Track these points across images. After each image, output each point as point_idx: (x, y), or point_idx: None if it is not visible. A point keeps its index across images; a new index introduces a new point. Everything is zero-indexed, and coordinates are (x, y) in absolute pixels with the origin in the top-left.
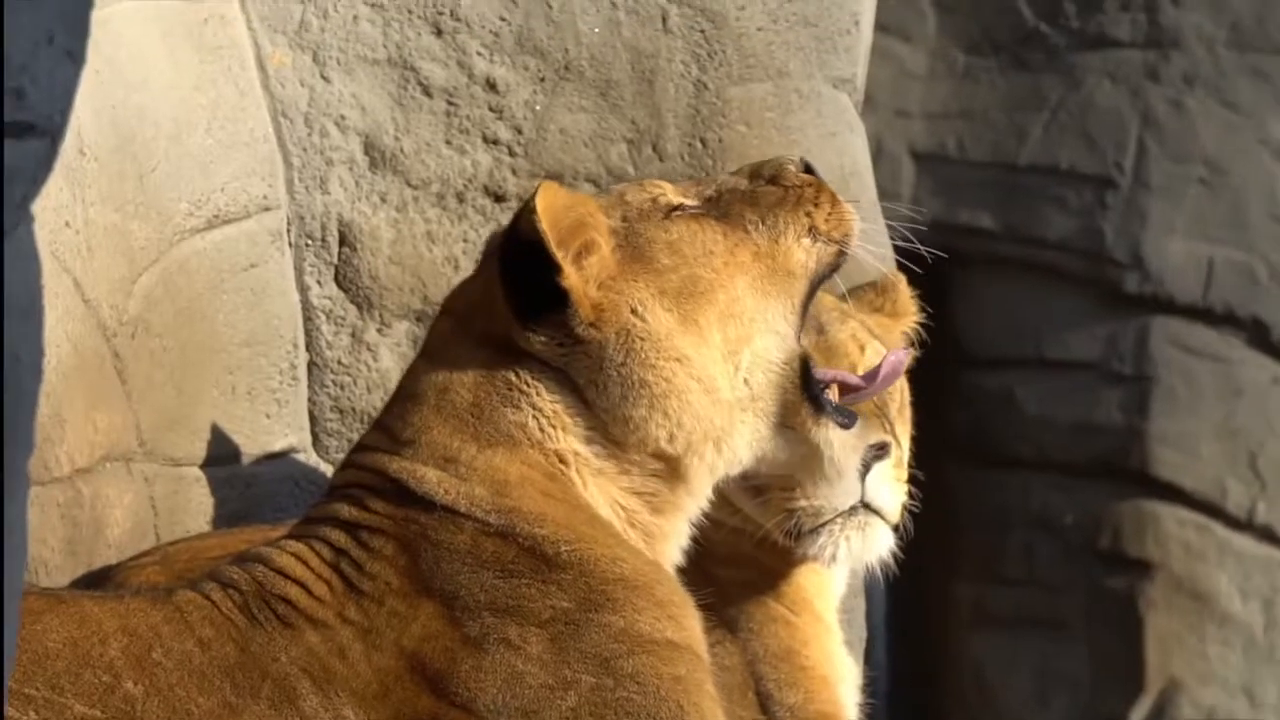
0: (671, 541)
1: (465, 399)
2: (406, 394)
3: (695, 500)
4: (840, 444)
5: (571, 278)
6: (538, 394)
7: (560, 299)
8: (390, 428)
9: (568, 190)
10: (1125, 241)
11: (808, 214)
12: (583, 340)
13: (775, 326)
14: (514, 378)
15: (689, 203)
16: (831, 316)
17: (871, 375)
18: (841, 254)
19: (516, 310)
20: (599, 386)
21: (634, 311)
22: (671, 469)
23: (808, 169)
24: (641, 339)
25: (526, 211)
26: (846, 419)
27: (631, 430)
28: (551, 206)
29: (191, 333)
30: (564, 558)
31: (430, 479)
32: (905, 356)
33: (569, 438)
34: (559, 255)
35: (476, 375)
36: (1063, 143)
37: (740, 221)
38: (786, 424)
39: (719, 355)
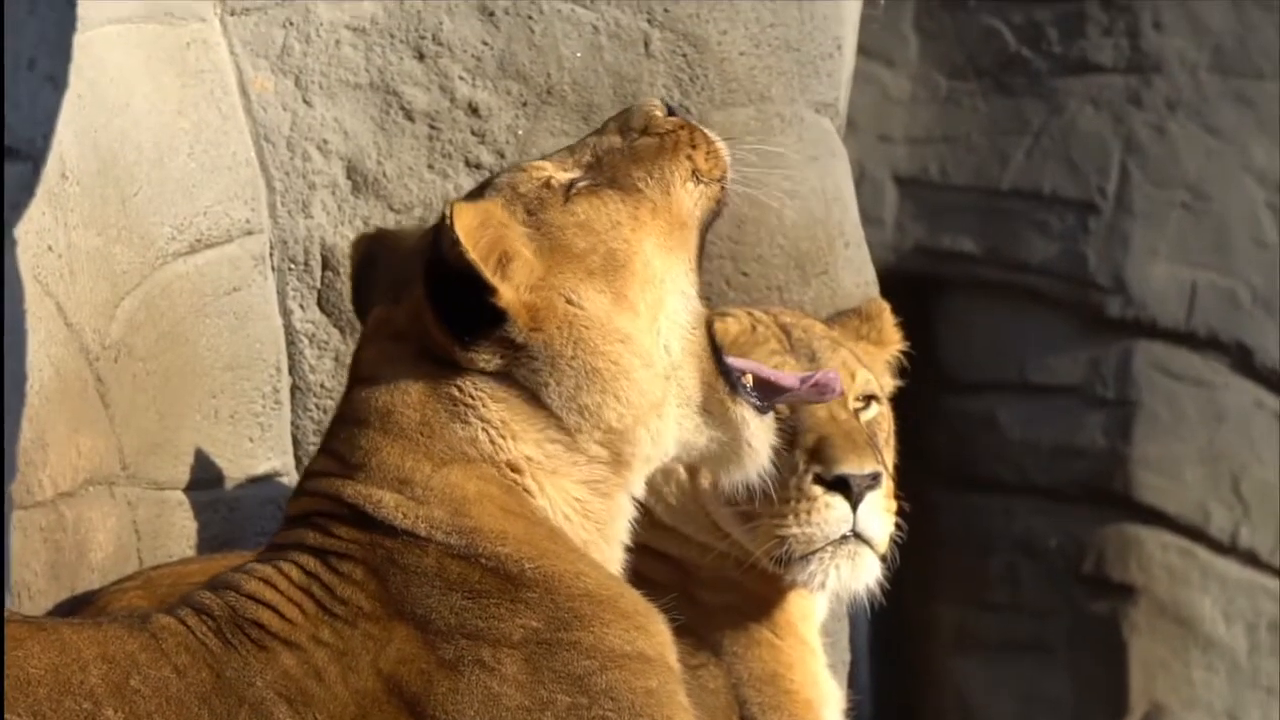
0: (620, 521)
1: (412, 419)
2: (349, 419)
3: (636, 476)
4: (756, 426)
5: (505, 294)
6: (484, 405)
7: (495, 314)
8: (338, 452)
9: (474, 204)
10: (1108, 266)
11: (688, 157)
12: (526, 345)
13: (680, 286)
14: (457, 393)
15: (578, 176)
16: (823, 344)
17: (805, 379)
18: (724, 191)
19: (452, 333)
20: (549, 384)
21: (569, 301)
22: (615, 453)
23: (671, 111)
24: (585, 326)
25: (448, 242)
26: (761, 402)
27: (586, 417)
28: (469, 229)
29: (174, 356)
30: (529, 575)
31: (388, 503)
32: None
33: (520, 444)
34: (488, 276)
35: (420, 394)
36: (1045, 167)
37: (631, 181)
38: (706, 407)
39: (646, 326)
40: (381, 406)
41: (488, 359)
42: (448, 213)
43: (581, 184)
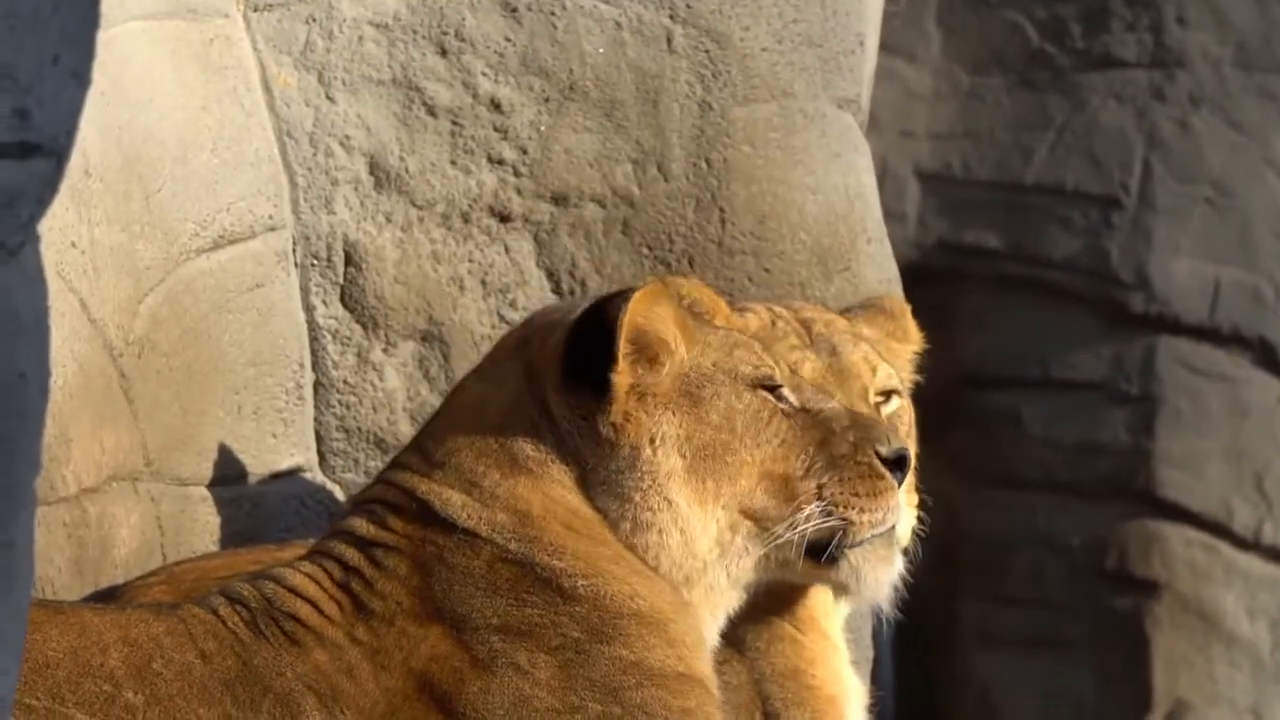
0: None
1: (494, 423)
2: (446, 409)
3: (709, 599)
4: (855, 572)
5: (621, 377)
6: (558, 443)
7: (601, 388)
8: (425, 447)
9: (675, 305)
10: (1131, 261)
11: (836, 486)
12: (598, 433)
13: (747, 543)
14: (538, 417)
15: (787, 394)
16: (844, 339)
17: None
18: (842, 528)
19: (565, 366)
20: (596, 473)
21: (652, 441)
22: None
23: (898, 460)
24: (646, 469)
25: (621, 299)
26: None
27: (614, 525)
28: (645, 312)
29: (197, 352)
30: (580, 592)
31: (455, 502)
32: None
33: (577, 494)
34: (622, 354)
35: (509, 401)
36: (1068, 163)
37: (801, 443)
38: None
39: (713, 524)
40: (476, 401)
41: (567, 417)
42: (644, 281)
43: (779, 399)
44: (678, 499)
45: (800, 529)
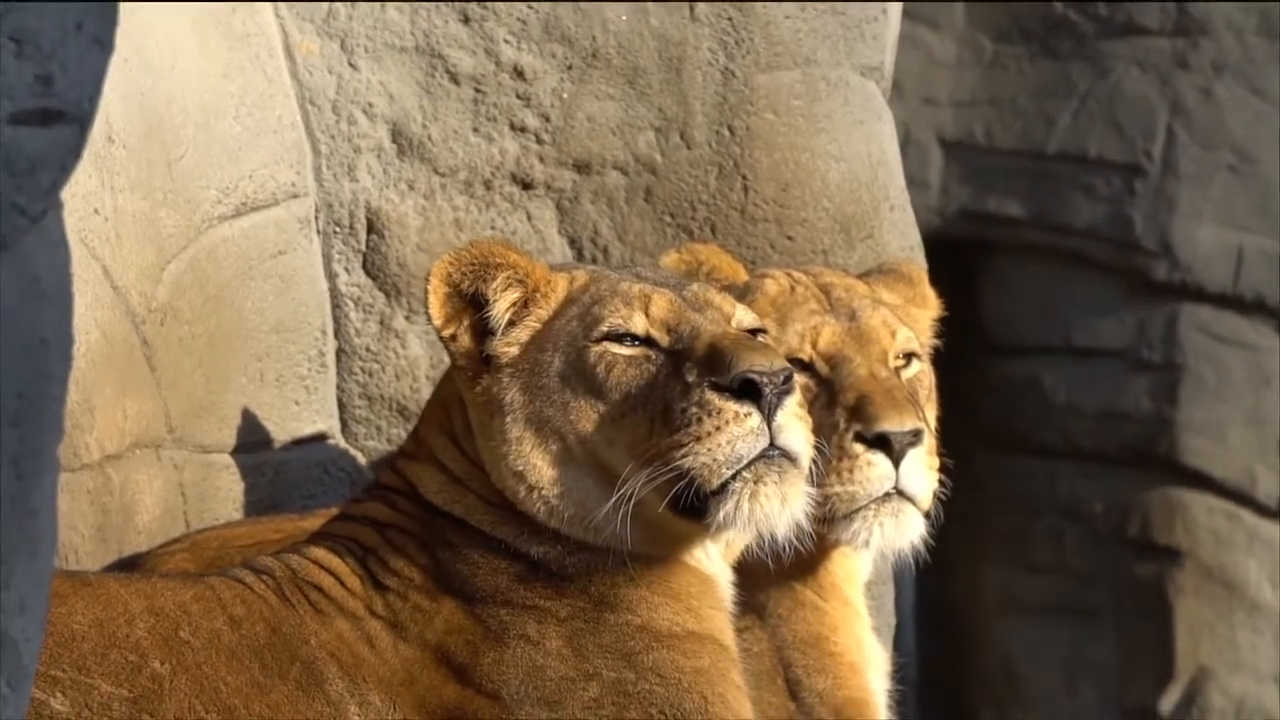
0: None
1: (451, 393)
2: (433, 393)
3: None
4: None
5: (454, 332)
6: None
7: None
8: (416, 430)
9: (506, 263)
10: (1154, 229)
11: (664, 436)
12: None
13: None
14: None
15: (655, 338)
16: (864, 303)
17: None
18: (685, 477)
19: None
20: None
21: (502, 409)
22: None
23: (745, 385)
24: (502, 437)
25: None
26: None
27: (524, 502)
28: (459, 268)
29: (220, 320)
30: (570, 570)
31: (432, 485)
32: None
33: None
34: (439, 315)
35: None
36: (1091, 130)
37: (643, 392)
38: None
39: (586, 481)
40: (445, 377)
41: (467, 371)
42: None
43: (627, 344)
44: (540, 463)
45: (646, 485)
